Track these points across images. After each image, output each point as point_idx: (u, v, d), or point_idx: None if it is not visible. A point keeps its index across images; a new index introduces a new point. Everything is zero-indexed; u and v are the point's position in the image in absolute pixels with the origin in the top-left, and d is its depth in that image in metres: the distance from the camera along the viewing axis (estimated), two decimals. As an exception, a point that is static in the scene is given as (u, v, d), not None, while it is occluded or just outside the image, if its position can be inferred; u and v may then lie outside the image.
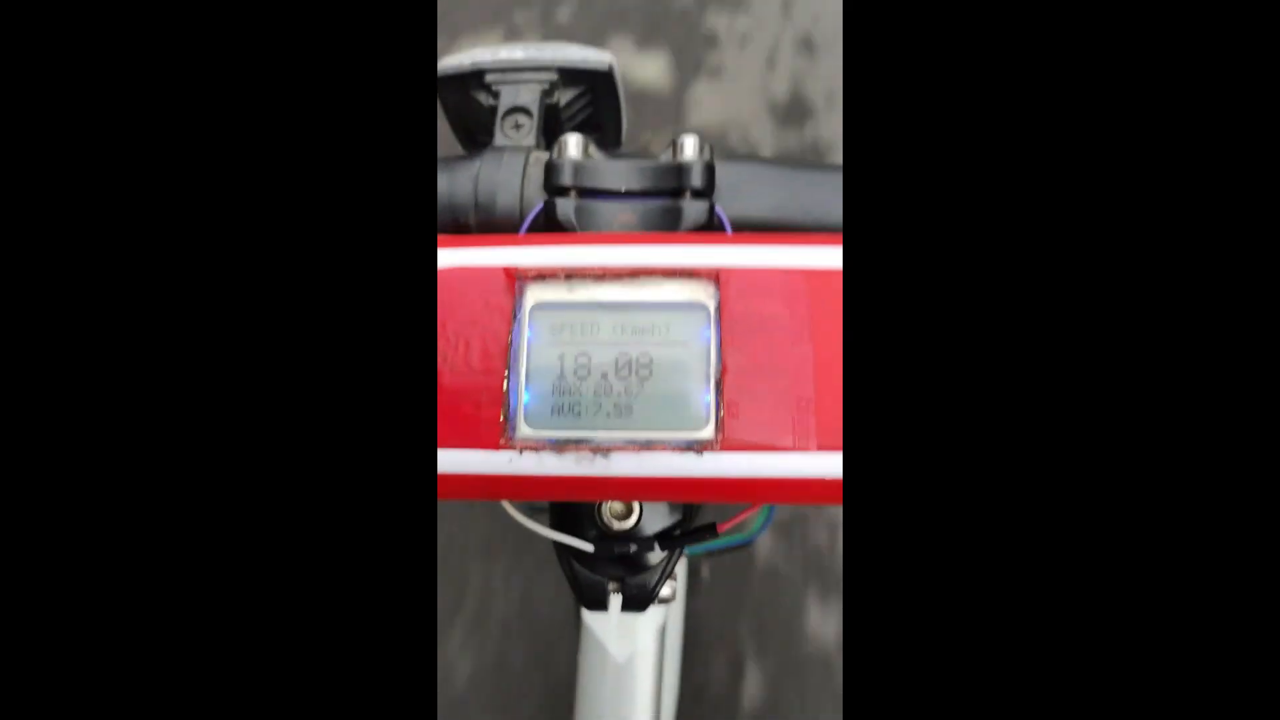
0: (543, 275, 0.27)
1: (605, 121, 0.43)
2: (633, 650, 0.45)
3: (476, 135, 0.44)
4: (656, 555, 0.32)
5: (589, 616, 0.47)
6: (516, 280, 0.27)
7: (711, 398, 0.25)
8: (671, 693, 0.52)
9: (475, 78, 0.40)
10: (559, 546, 0.32)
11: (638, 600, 0.32)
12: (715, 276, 0.26)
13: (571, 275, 0.27)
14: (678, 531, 0.32)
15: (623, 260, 0.27)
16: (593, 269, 0.27)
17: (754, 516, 0.34)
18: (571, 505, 0.33)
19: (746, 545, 0.31)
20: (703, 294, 0.26)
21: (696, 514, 0.34)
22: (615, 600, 0.32)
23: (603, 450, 0.25)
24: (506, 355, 0.26)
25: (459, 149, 0.45)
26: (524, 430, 0.26)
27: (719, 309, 0.26)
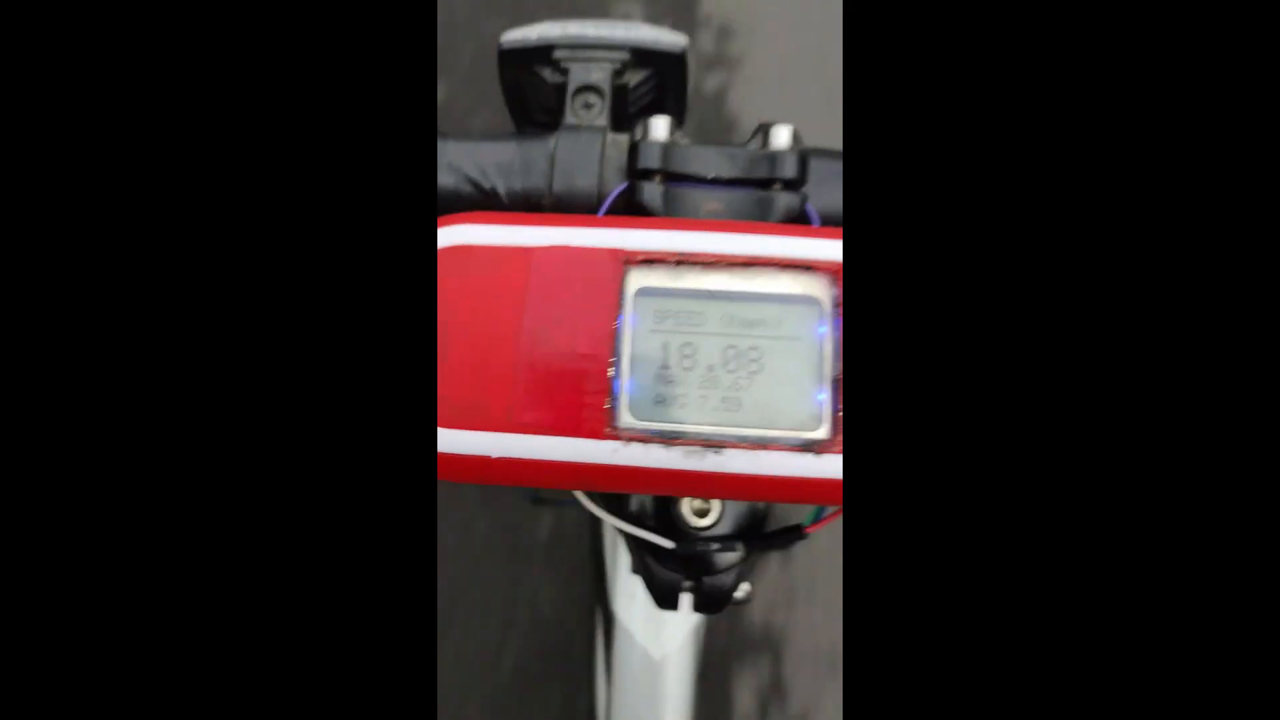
0: (651, 260, 0.25)
1: (669, 105, 0.42)
2: (668, 649, 0.44)
3: (533, 113, 0.42)
4: (730, 556, 0.31)
5: (623, 613, 0.45)
6: (623, 264, 0.25)
7: (827, 396, 0.24)
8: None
9: (541, 53, 0.39)
10: (633, 542, 0.31)
11: (714, 601, 0.31)
12: (837, 271, 0.25)
13: (682, 261, 0.25)
14: (759, 532, 0.31)
15: (736, 249, 0.25)
16: (706, 255, 0.25)
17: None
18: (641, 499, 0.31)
19: (803, 538, 0.31)
20: (818, 289, 0.25)
21: (768, 513, 0.33)
22: (686, 600, 0.31)
23: (714, 446, 0.24)
24: (613, 341, 0.25)
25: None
26: (627, 420, 0.24)
27: (838, 305, 0.25)
